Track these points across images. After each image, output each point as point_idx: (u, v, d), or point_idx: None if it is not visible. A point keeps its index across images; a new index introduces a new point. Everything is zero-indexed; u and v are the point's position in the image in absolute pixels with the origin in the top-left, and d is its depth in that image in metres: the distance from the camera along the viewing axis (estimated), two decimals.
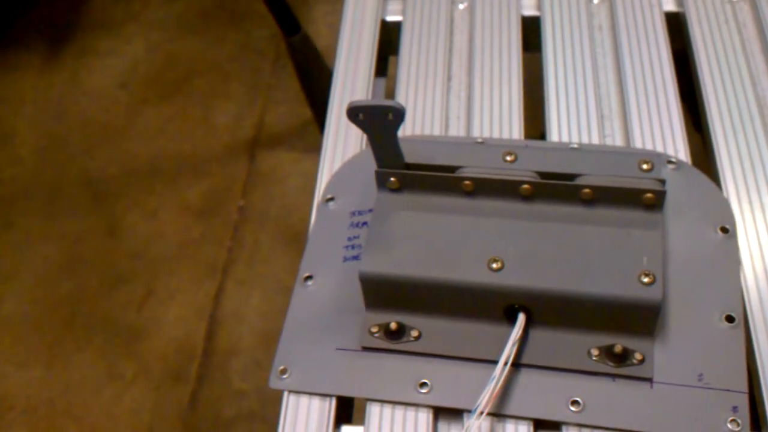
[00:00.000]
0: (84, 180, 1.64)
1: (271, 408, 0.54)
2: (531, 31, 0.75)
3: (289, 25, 1.35)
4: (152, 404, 1.33)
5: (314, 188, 0.65)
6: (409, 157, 0.57)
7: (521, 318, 0.52)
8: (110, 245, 1.54)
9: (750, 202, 0.60)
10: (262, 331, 1.39)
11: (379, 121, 0.52)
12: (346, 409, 0.55)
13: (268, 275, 1.47)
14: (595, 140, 0.65)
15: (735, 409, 0.50)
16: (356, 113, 0.52)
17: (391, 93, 0.72)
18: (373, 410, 0.53)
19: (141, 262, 1.51)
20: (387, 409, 0.53)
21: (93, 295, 1.48)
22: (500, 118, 0.67)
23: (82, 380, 1.37)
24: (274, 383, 0.55)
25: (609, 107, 0.67)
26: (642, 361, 0.52)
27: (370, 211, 0.58)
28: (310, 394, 0.54)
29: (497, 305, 0.53)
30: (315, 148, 0.69)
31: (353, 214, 0.62)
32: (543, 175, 0.56)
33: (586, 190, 0.54)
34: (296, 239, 1.45)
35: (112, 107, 1.76)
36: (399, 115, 0.52)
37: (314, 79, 1.41)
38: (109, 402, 1.34)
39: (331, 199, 0.64)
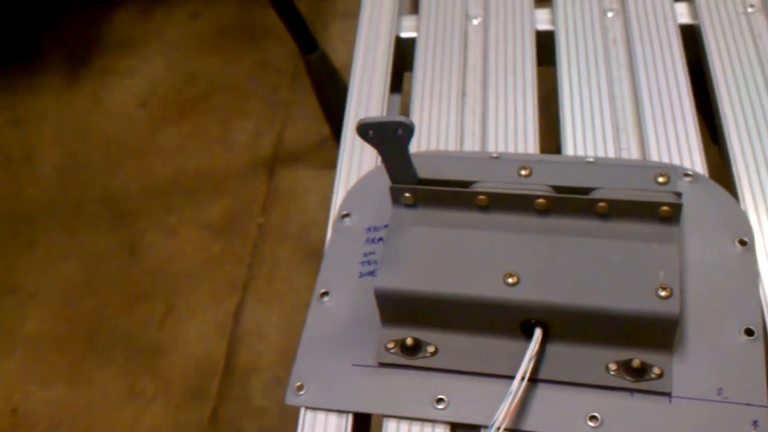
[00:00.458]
0: (105, 198, 1.66)
1: (292, 425, 0.54)
2: (545, 45, 0.75)
3: (307, 42, 1.36)
4: (173, 422, 1.33)
5: (330, 204, 0.66)
6: (424, 172, 0.57)
7: (538, 333, 0.52)
8: (131, 263, 1.55)
9: None
10: (283, 348, 1.39)
11: (389, 138, 0.52)
12: (363, 426, 0.55)
13: (287, 292, 1.47)
14: (611, 153, 0.65)
15: (755, 423, 0.49)
16: (366, 130, 0.52)
17: (406, 109, 0.73)
18: (390, 427, 0.53)
19: (161, 280, 1.52)
20: (404, 426, 0.53)
21: (114, 312, 1.48)
22: (515, 133, 0.67)
23: (104, 398, 1.38)
24: (291, 399, 0.55)
25: (624, 120, 0.67)
26: (660, 376, 0.51)
27: (386, 226, 0.58)
28: (327, 410, 0.54)
29: (513, 320, 0.53)
30: (333, 165, 0.69)
31: (369, 230, 0.62)
32: (558, 189, 0.55)
33: (602, 204, 0.54)
34: (316, 256, 1.45)
35: (132, 126, 1.78)
36: (408, 130, 0.52)
37: (332, 95, 1.42)
38: (131, 419, 1.34)
39: (347, 215, 0.64)
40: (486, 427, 0.50)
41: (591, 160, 0.63)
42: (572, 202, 0.55)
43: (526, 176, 0.57)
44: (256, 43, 1.88)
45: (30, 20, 2.03)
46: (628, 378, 0.52)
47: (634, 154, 0.65)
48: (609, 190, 0.55)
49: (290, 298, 1.46)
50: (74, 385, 1.40)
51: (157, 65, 1.88)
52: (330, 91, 1.42)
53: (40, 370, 1.43)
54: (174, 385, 1.37)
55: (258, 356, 1.39)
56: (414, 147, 0.68)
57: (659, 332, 0.51)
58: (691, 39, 0.74)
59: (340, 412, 0.54)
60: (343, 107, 0.73)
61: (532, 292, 0.52)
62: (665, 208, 0.53)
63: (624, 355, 0.52)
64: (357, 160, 0.68)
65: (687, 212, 0.58)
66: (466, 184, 0.56)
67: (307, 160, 1.66)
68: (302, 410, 0.55)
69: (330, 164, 0.69)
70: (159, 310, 1.48)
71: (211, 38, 1.92)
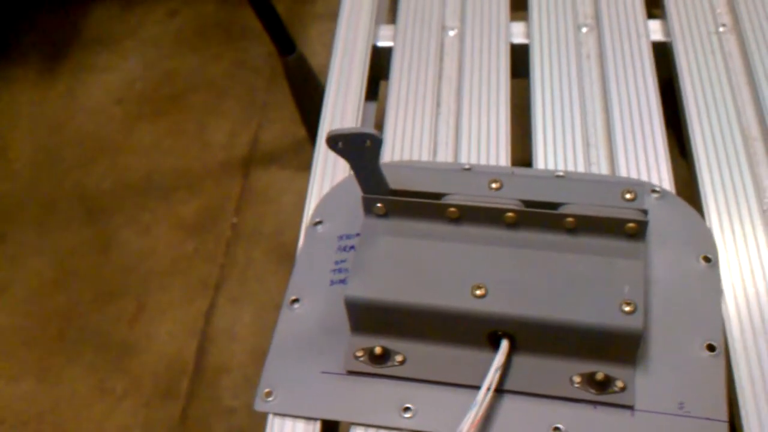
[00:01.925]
0: (78, 195, 1.65)
1: (261, 426, 0.55)
2: (520, 58, 0.76)
3: (285, 44, 1.36)
4: (142, 420, 1.33)
5: (303, 211, 0.66)
6: (396, 183, 0.57)
7: (504, 344, 0.53)
8: (103, 260, 1.54)
9: (733, 232, 0.61)
10: (254, 349, 1.40)
11: (358, 149, 0.53)
12: None
13: (260, 293, 1.47)
14: (581, 168, 0.66)
15: None
16: (335, 142, 0.53)
17: (381, 117, 0.73)
18: None
19: (133, 278, 1.51)
20: None
21: (85, 309, 1.48)
22: (488, 145, 0.68)
23: (73, 395, 1.37)
24: (259, 406, 0.56)
25: (595, 135, 0.68)
26: (623, 389, 0.52)
27: (358, 235, 0.59)
28: (295, 417, 0.55)
29: (481, 331, 0.54)
30: (309, 167, 0.69)
31: (341, 238, 0.63)
32: (527, 203, 0.56)
33: (570, 219, 0.55)
34: (289, 257, 1.45)
35: (108, 123, 1.77)
36: (377, 142, 0.52)
37: (309, 98, 1.42)
38: (99, 417, 1.34)
39: (319, 222, 0.64)
40: None
41: (561, 174, 0.64)
42: (541, 216, 0.55)
43: (497, 189, 0.57)
44: (235, 42, 1.88)
45: (6, 13, 2.02)
46: (592, 390, 0.52)
47: (604, 169, 0.66)
48: (577, 205, 0.56)
49: (262, 298, 1.46)
50: (43, 381, 1.40)
51: (134, 62, 1.88)
52: (307, 93, 1.43)
53: (9, 366, 1.43)
54: (144, 384, 1.37)
55: (229, 356, 1.39)
56: (387, 156, 0.68)
57: (623, 346, 0.52)
58: (663, 56, 0.75)
59: (308, 419, 0.55)
60: (319, 110, 0.74)
61: (499, 304, 0.53)
62: (631, 224, 0.54)
63: (588, 367, 0.53)
64: (331, 167, 0.69)
65: (653, 228, 0.59)
66: (438, 196, 0.57)
67: (283, 161, 1.66)
68: (270, 417, 0.55)
69: (305, 166, 0.69)
70: (130, 307, 1.47)
71: (189, 37, 1.91)
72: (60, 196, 1.65)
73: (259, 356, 1.37)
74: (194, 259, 1.53)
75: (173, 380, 1.37)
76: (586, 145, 0.67)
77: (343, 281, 0.60)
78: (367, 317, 0.56)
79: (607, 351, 0.53)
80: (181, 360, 1.39)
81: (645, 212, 0.55)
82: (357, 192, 0.58)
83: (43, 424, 1.35)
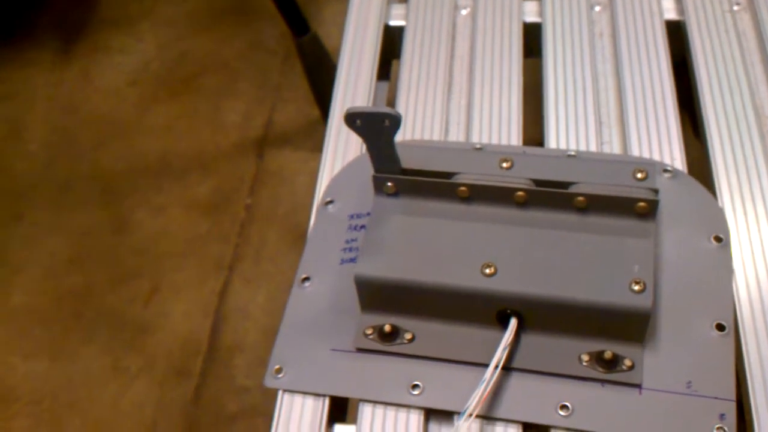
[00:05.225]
0: (93, 175, 1.66)
1: (274, 404, 0.56)
2: (532, 37, 0.75)
3: (299, 25, 1.36)
4: (156, 399, 1.34)
5: (314, 190, 0.66)
6: (407, 162, 0.57)
7: (513, 323, 0.53)
8: (118, 240, 1.55)
9: (745, 212, 0.61)
10: (267, 328, 1.40)
11: (376, 128, 0.53)
12: (340, 409, 0.56)
13: (274, 273, 1.48)
14: (593, 147, 0.65)
15: (722, 416, 0.50)
16: (354, 119, 0.53)
17: (392, 96, 0.73)
18: (366, 410, 0.54)
19: (148, 258, 1.52)
20: (379, 410, 0.54)
21: (100, 289, 1.49)
22: (499, 125, 0.68)
23: (87, 373, 1.38)
24: (270, 382, 0.56)
25: (607, 114, 0.68)
26: (631, 368, 0.52)
27: (368, 214, 0.59)
28: (304, 393, 0.55)
29: (490, 310, 0.54)
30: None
31: (351, 217, 0.63)
32: (538, 182, 0.56)
33: (580, 198, 0.55)
34: (303, 238, 1.45)
35: (123, 104, 1.77)
36: (395, 122, 0.52)
37: (323, 79, 1.42)
38: (113, 396, 1.35)
39: (331, 202, 0.64)
40: (459, 413, 0.51)
41: (572, 153, 0.64)
42: (551, 195, 0.55)
43: (508, 168, 0.57)
44: (249, 23, 1.88)
45: None
46: (600, 369, 0.53)
47: (616, 149, 0.65)
48: (588, 184, 0.55)
49: (276, 278, 1.47)
50: (58, 360, 1.41)
51: (148, 44, 1.88)
52: (321, 74, 1.43)
53: (24, 345, 1.44)
54: (158, 363, 1.38)
55: (242, 335, 1.40)
56: (399, 135, 0.68)
57: (631, 325, 0.52)
58: (677, 35, 0.75)
59: (317, 395, 0.55)
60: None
61: (508, 282, 0.53)
62: (642, 204, 0.54)
63: (596, 346, 0.53)
64: (342, 147, 0.69)
65: (664, 208, 0.59)
66: (448, 175, 0.57)
67: (297, 142, 1.66)
68: (280, 393, 0.55)
69: (320, 147, 0.70)
70: (145, 287, 1.48)
71: (204, 18, 1.91)
72: (75, 177, 1.66)
73: (272, 336, 1.36)
74: (208, 239, 1.53)
75: (187, 359, 1.38)
76: (599, 124, 0.67)
77: (353, 260, 0.60)
78: (377, 295, 0.56)
79: (616, 330, 0.53)
80: (195, 339, 1.40)
81: (656, 191, 0.55)
82: (368, 171, 0.58)
83: (57, 403, 1.36)
